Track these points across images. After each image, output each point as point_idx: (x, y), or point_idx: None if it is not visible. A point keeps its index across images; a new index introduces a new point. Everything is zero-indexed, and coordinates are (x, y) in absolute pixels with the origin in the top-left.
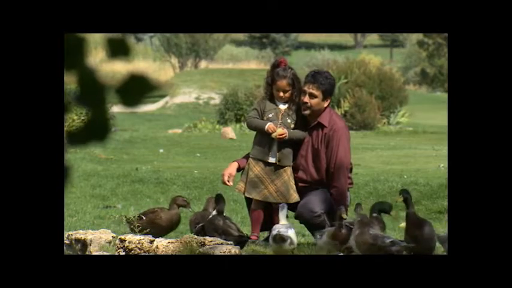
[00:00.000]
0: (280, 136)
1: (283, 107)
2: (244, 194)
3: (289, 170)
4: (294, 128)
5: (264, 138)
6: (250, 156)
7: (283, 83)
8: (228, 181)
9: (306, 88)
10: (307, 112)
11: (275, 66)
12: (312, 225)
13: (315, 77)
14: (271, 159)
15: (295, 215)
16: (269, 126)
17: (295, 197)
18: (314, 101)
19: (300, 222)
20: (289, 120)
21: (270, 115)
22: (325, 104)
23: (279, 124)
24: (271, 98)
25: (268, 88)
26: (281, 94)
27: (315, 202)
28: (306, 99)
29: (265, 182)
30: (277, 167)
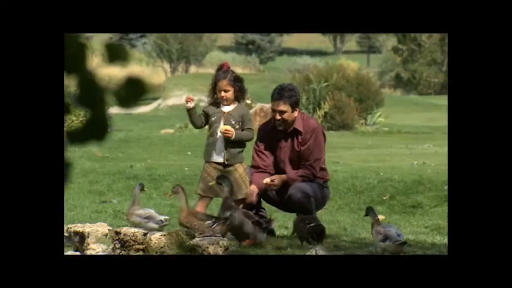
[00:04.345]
0: (226, 133)
1: (226, 109)
2: (198, 192)
3: (240, 168)
4: (241, 129)
5: (210, 140)
6: (203, 158)
7: (223, 82)
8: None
9: (274, 107)
10: (281, 128)
11: (218, 69)
12: (302, 205)
13: (280, 93)
14: (219, 159)
15: (287, 196)
16: (187, 97)
17: (247, 193)
18: (285, 116)
19: (288, 207)
20: (233, 122)
21: (213, 118)
22: (296, 114)
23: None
24: (217, 102)
25: (212, 91)
26: (222, 94)
27: (307, 187)
28: (277, 116)
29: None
30: (227, 165)
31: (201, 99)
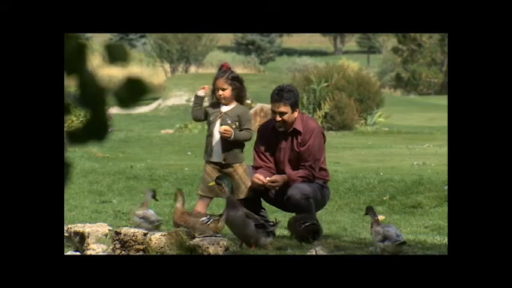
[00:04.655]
0: (225, 133)
1: (224, 109)
2: (198, 192)
3: (240, 169)
4: (238, 129)
5: (208, 140)
6: (203, 158)
7: (220, 81)
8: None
9: (274, 108)
10: (282, 129)
11: (219, 69)
12: (301, 206)
13: (280, 94)
14: (217, 159)
15: (287, 197)
16: (199, 90)
17: (246, 193)
18: (285, 117)
19: (288, 208)
20: (229, 122)
21: (211, 118)
22: (296, 114)
23: (219, 125)
24: (218, 102)
25: (213, 91)
26: (220, 92)
27: (306, 187)
28: (278, 118)
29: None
30: (225, 166)
31: None
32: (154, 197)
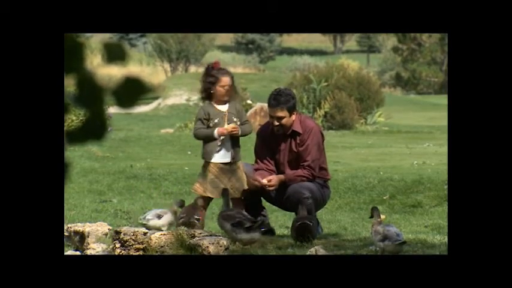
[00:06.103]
0: (233, 130)
1: (225, 108)
2: (204, 194)
3: (241, 165)
4: (240, 124)
5: (214, 142)
6: (205, 159)
7: (227, 78)
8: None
9: (272, 114)
10: (280, 132)
11: (212, 68)
12: (301, 206)
13: (276, 99)
14: (226, 159)
15: (286, 196)
16: (218, 131)
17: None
18: (283, 121)
19: (288, 207)
20: (235, 119)
21: (216, 120)
22: (293, 117)
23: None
24: (211, 102)
25: (208, 91)
26: (227, 89)
27: (306, 187)
28: (276, 122)
29: (223, 181)
30: (231, 164)
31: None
32: (181, 206)
